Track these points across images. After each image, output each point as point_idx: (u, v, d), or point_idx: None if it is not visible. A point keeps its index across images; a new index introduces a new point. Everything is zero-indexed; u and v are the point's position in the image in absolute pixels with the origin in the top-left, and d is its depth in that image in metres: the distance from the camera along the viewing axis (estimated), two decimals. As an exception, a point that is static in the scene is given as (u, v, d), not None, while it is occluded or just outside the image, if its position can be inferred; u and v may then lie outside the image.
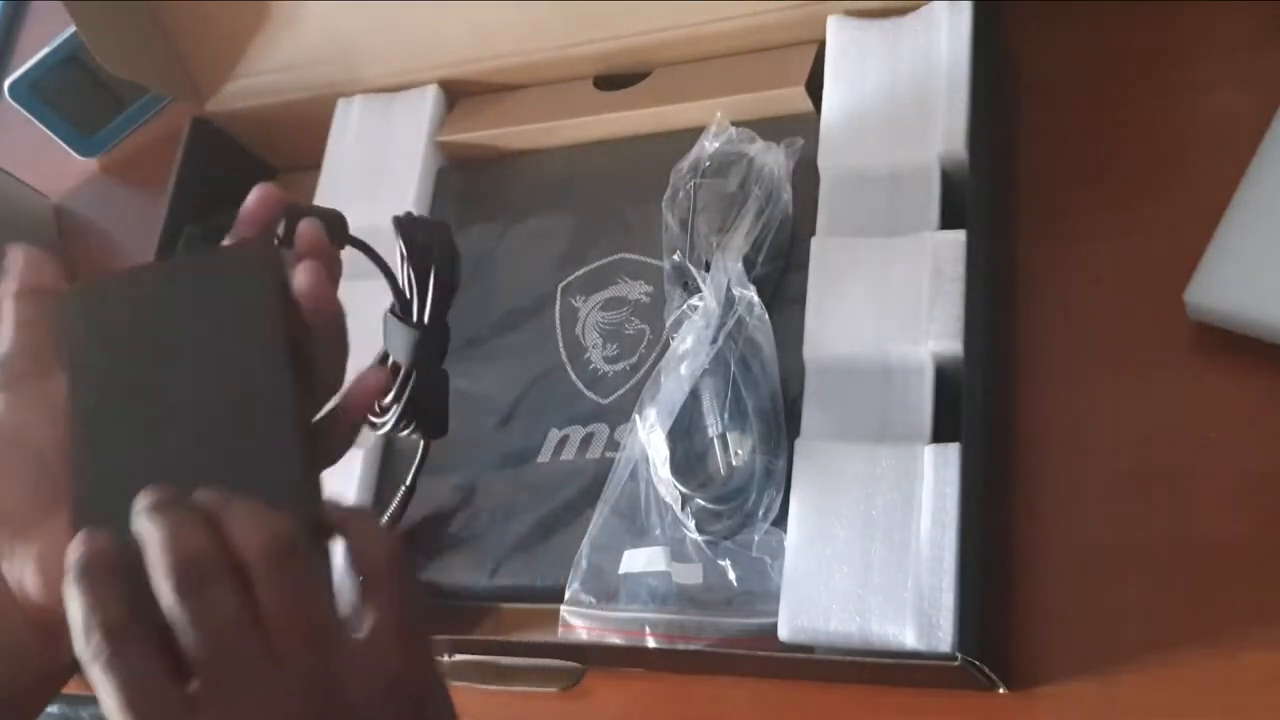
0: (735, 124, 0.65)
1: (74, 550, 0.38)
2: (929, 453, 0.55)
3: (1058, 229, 0.63)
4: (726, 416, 0.59)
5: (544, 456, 0.65)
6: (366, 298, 0.70)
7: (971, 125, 0.60)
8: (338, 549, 0.41)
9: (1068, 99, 0.66)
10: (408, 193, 0.73)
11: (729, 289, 0.61)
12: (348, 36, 0.76)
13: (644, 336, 0.65)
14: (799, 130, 0.64)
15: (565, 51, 0.72)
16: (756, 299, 0.60)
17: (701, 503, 0.59)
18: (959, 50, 0.61)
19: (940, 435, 0.56)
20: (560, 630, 0.61)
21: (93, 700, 0.37)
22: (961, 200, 0.60)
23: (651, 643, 0.58)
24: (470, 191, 0.74)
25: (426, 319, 0.61)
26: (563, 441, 0.65)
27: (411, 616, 0.42)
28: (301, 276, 0.43)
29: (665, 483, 0.59)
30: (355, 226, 0.75)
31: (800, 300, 0.60)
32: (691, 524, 0.59)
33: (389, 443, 0.69)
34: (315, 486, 0.41)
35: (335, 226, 0.48)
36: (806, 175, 0.63)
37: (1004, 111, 0.66)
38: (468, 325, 0.69)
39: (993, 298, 0.59)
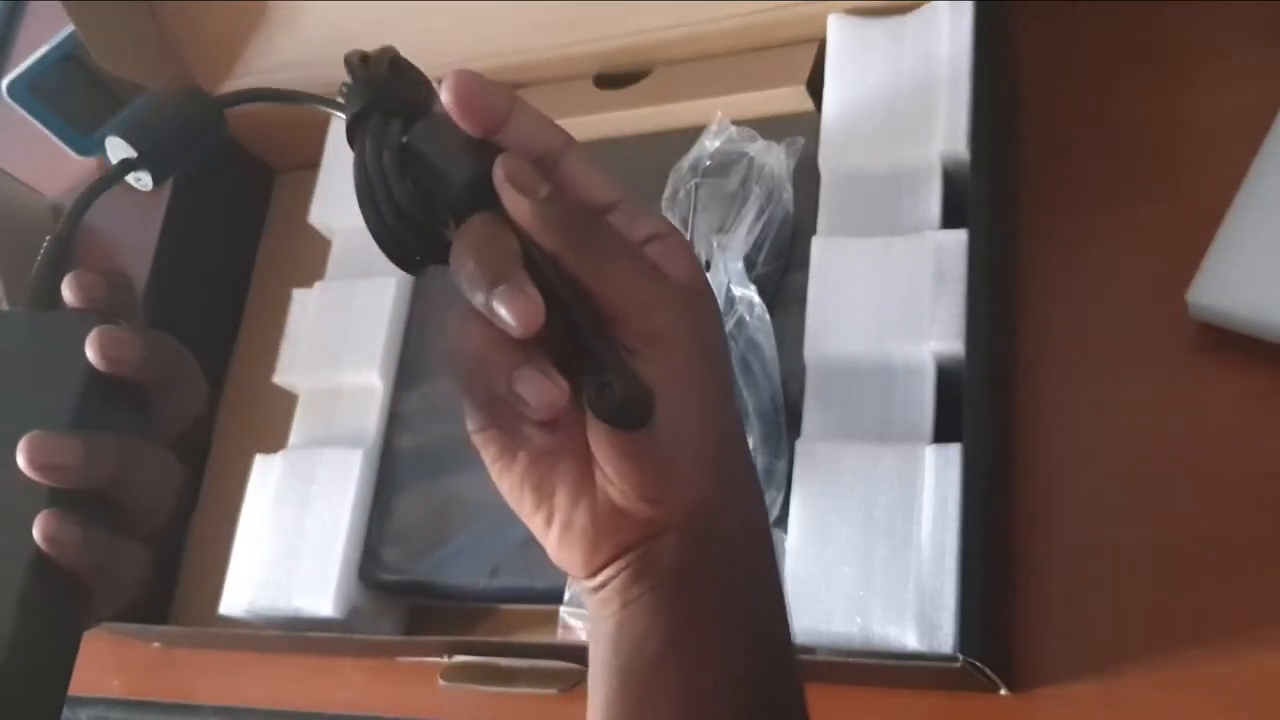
0: (735, 123, 0.65)
1: None
2: (930, 453, 0.55)
3: (1059, 228, 0.63)
4: (727, 417, 0.59)
5: (544, 457, 0.64)
6: (368, 297, 0.71)
7: (973, 124, 0.60)
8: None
9: (1069, 99, 0.66)
10: (407, 192, 0.73)
11: (729, 289, 0.60)
12: (348, 36, 0.76)
13: (644, 336, 0.65)
14: (800, 129, 0.64)
15: (565, 51, 0.72)
16: (757, 299, 0.60)
17: (702, 503, 0.58)
18: (961, 49, 0.61)
19: (941, 435, 0.55)
20: (559, 632, 0.61)
21: (93, 701, 0.37)
22: (963, 199, 0.60)
23: (652, 643, 0.58)
24: (470, 191, 0.74)
25: None
26: (563, 442, 0.64)
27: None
28: (90, 349, 0.42)
29: (666, 483, 0.59)
30: (354, 227, 0.75)
31: (801, 300, 0.60)
32: (692, 524, 0.58)
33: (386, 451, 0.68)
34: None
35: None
36: (807, 174, 0.63)
37: (1005, 111, 0.66)
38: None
39: (994, 297, 0.59)
